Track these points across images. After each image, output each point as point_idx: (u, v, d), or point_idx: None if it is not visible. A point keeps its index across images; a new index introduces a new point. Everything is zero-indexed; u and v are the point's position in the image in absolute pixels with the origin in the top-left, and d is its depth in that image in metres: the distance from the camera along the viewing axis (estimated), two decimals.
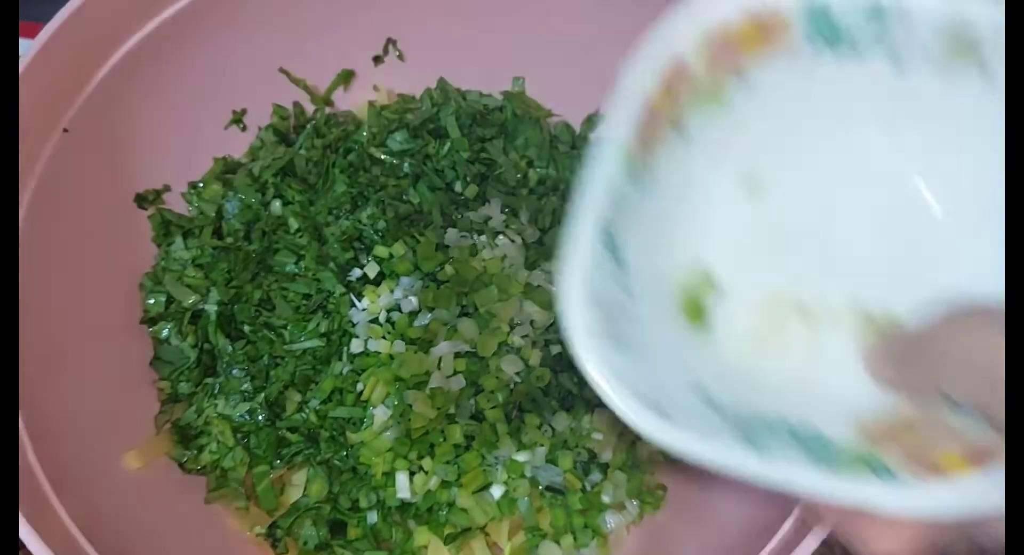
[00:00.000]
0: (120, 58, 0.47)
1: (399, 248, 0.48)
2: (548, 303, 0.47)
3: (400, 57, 0.57)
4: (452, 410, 0.45)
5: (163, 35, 0.49)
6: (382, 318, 0.47)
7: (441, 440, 0.45)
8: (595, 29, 0.54)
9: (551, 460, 0.46)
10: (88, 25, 0.44)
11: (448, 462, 0.45)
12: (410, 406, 0.44)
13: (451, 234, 0.49)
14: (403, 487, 0.44)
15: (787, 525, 0.38)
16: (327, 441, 0.45)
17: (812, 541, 0.35)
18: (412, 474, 0.45)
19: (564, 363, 0.48)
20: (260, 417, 0.46)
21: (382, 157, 0.51)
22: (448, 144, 0.52)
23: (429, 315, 0.47)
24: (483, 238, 0.49)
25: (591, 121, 0.57)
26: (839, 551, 0.49)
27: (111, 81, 0.47)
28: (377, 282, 0.48)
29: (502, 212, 0.51)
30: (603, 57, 0.54)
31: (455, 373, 0.45)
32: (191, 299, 0.48)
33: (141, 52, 0.48)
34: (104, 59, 0.47)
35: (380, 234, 0.49)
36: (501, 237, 0.50)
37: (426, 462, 0.45)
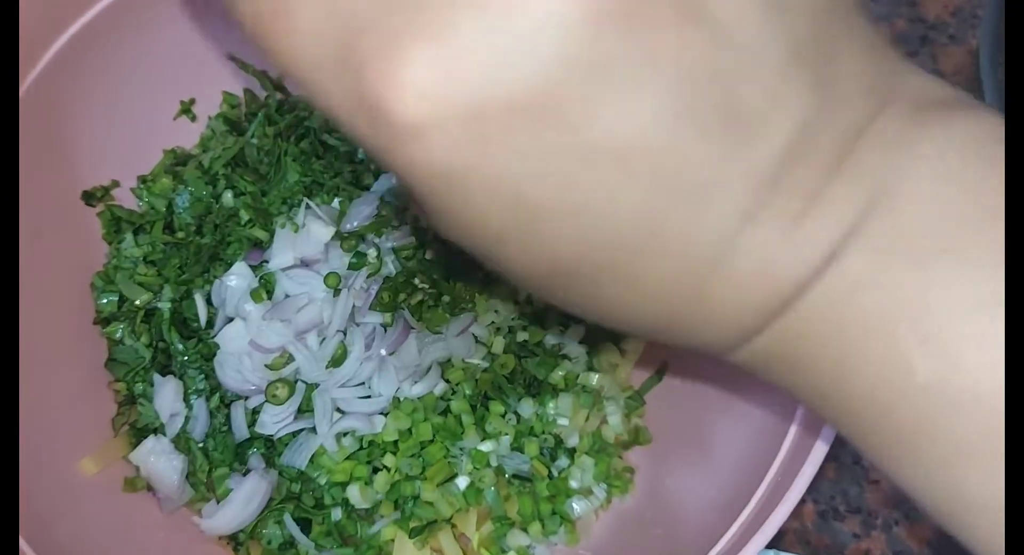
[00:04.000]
0: (58, 51, 0.46)
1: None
2: (510, 295, 0.46)
3: None
4: None
5: (102, 25, 0.47)
6: None
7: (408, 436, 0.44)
8: None
9: (517, 447, 0.45)
10: (22, 18, 0.42)
11: (412, 456, 0.44)
12: None
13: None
14: (355, 498, 0.43)
15: (752, 503, 0.38)
16: (285, 445, 0.44)
17: (776, 519, 0.35)
18: (376, 470, 0.44)
19: (528, 349, 0.47)
20: (218, 418, 0.45)
21: (335, 143, 0.50)
22: None
23: None
24: None
25: None
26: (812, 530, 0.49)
27: (50, 76, 0.46)
28: None
29: None
30: None
31: None
32: (143, 297, 0.47)
33: (80, 44, 0.46)
34: (42, 53, 0.45)
35: None
36: None
37: (388, 459, 0.44)
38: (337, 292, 0.45)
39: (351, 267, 0.46)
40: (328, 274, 0.45)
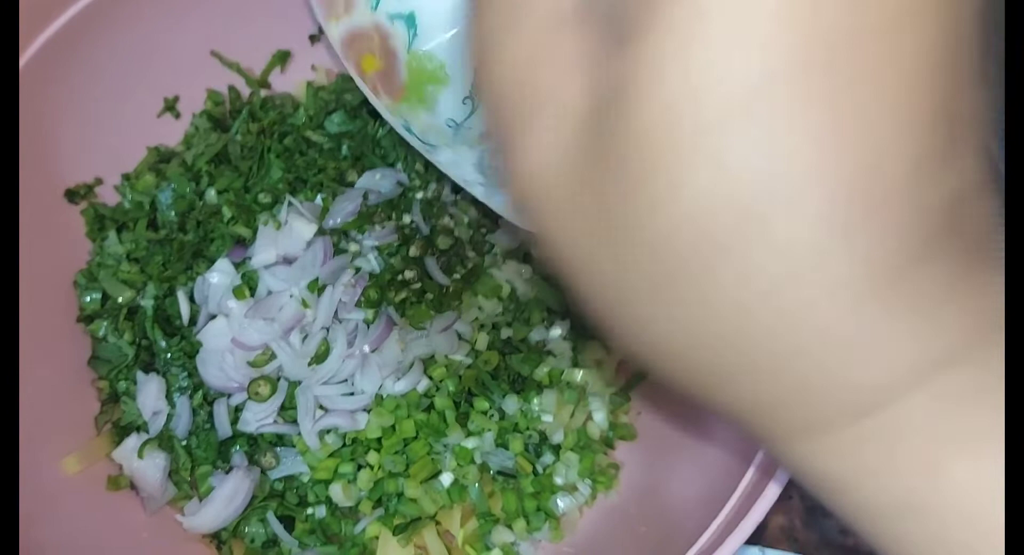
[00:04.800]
0: (40, 47, 0.46)
1: None
2: (493, 291, 0.46)
3: None
4: None
5: (84, 22, 0.47)
6: None
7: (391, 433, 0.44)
8: None
9: (502, 444, 0.45)
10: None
11: (396, 453, 0.44)
12: None
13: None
14: (338, 496, 0.43)
15: (733, 499, 0.38)
16: (268, 443, 0.44)
17: (762, 506, 0.35)
18: (360, 468, 0.44)
19: (512, 346, 0.47)
20: (201, 416, 0.45)
21: (318, 140, 0.50)
22: (388, 124, 0.51)
23: None
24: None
25: None
26: (796, 508, 0.49)
27: (32, 74, 0.45)
28: None
29: (453, 193, 0.50)
30: None
31: None
32: (127, 295, 0.47)
33: (62, 42, 0.46)
34: (24, 50, 0.45)
35: None
36: (447, 219, 0.48)
37: (371, 456, 0.44)
38: (321, 290, 0.45)
39: None
40: (311, 281, 0.45)
